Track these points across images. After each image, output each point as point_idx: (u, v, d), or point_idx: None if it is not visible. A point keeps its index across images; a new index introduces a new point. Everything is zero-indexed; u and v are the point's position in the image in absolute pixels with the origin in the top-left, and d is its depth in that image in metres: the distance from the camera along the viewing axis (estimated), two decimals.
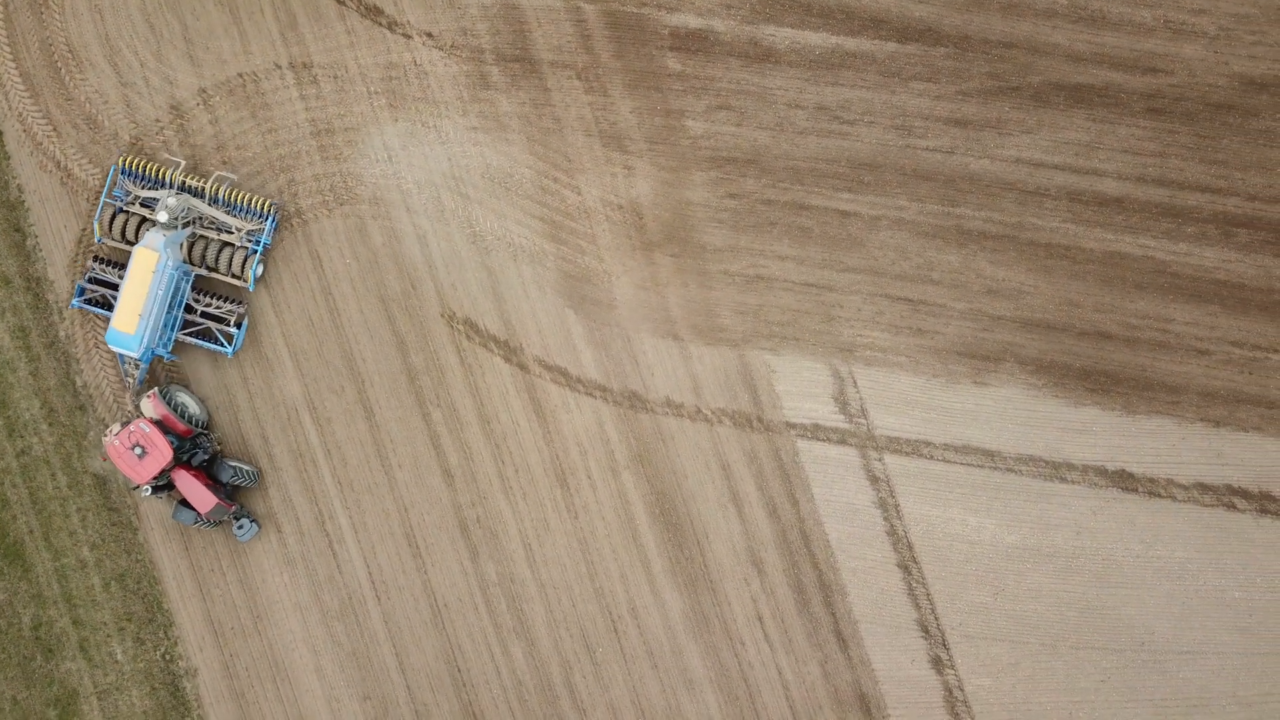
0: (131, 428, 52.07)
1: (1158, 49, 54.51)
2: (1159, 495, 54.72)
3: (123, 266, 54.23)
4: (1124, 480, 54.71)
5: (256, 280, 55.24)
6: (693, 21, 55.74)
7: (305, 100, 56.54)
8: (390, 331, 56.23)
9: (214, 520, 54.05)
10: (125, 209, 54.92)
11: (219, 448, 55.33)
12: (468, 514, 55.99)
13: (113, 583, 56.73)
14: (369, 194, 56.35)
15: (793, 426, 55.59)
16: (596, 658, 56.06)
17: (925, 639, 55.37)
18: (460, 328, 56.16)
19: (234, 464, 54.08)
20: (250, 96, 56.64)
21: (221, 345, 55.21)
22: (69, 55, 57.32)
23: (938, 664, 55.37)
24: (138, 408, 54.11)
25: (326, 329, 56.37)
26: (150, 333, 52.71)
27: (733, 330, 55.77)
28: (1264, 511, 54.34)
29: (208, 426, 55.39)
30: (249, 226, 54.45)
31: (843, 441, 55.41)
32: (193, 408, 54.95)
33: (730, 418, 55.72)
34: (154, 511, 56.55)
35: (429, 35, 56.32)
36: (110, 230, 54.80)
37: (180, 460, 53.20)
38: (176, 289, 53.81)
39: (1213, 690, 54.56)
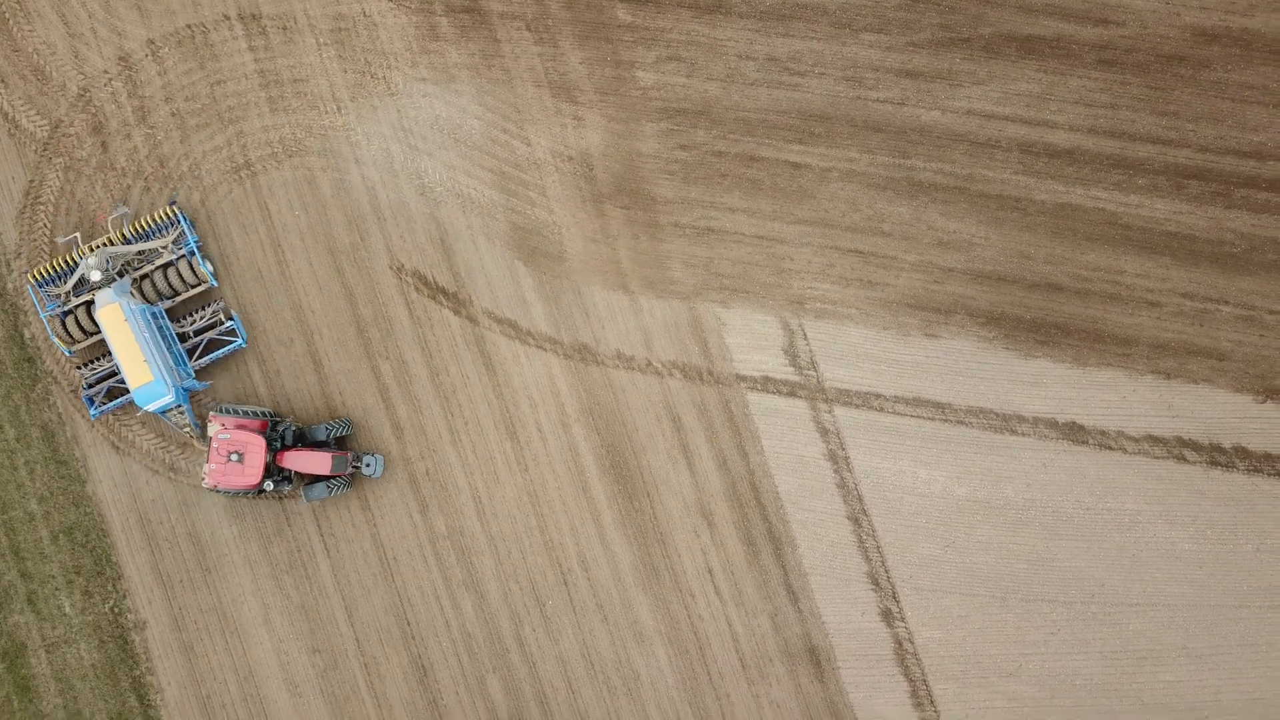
0: (215, 444, 52.23)
1: (1109, 0, 54.34)
2: (1109, 448, 54.61)
3: (106, 356, 54.59)
4: (1074, 432, 54.61)
5: (213, 274, 55.08)
6: None
7: (254, 52, 56.25)
8: (339, 284, 56.01)
9: (344, 476, 54.07)
10: (67, 311, 54.64)
11: (298, 424, 55.48)
12: (417, 467, 55.81)
13: (61, 536, 56.52)
14: (318, 146, 56.09)
15: (743, 379, 55.43)
16: (546, 610, 55.93)
17: (875, 591, 55.26)
18: (409, 280, 55.93)
19: (324, 424, 54.21)
20: (199, 48, 56.35)
21: (232, 342, 55.03)
22: (16, 6, 56.98)
23: (888, 616, 55.27)
24: (206, 438, 54.06)
25: (275, 281, 56.12)
26: (167, 372, 52.19)
27: (683, 283, 55.56)
28: (1214, 464, 54.26)
29: (275, 414, 55.52)
30: (169, 238, 54.24)
31: (793, 394, 55.25)
32: (250, 407, 55.31)
33: (681, 370, 55.55)
34: (103, 464, 56.35)
35: None
36: (72, 336, 54.61)
37: (275, 447, 53.38)
38: (160, 329, 53.61)
39: (1163, 642, 54.51)
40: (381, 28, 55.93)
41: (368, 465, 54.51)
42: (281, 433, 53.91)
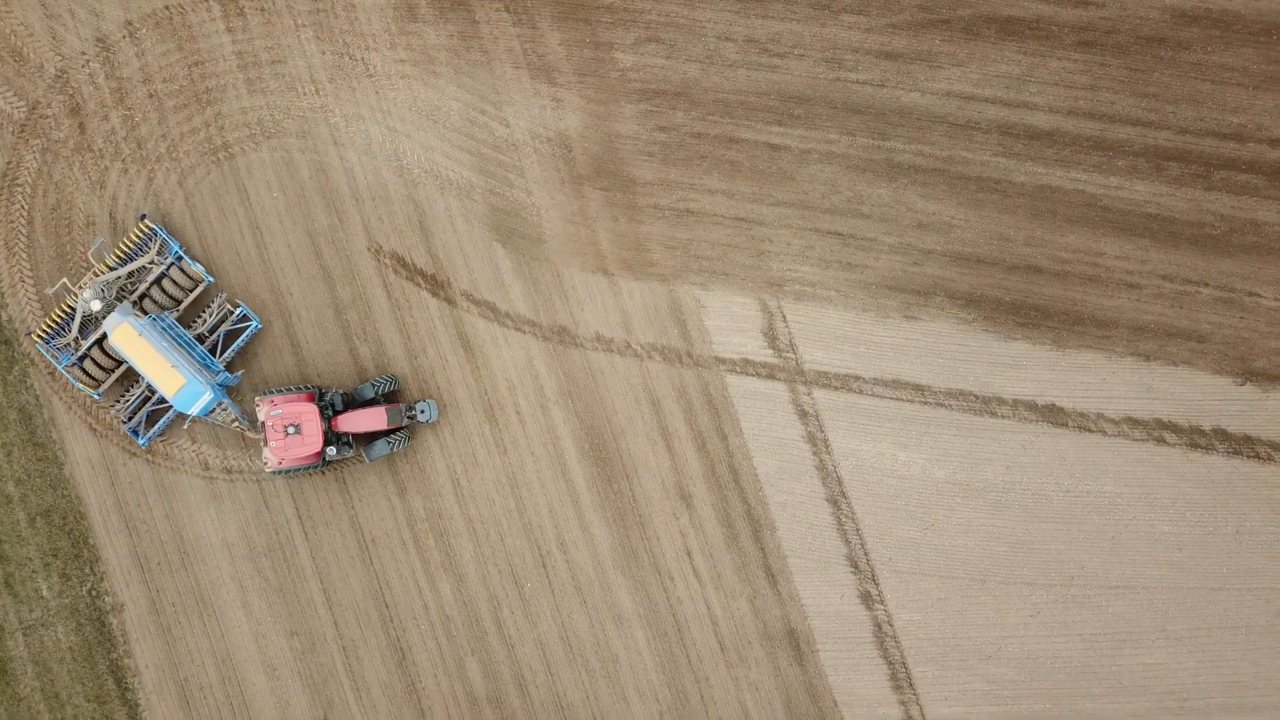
0: (270, 422, 52.21)
1: None
2: (1089, 430, 54.54)
3: (133, 385, 54.80)
4: (1054, 415, 54.52)
5: (206, 270, 54.94)
6: None
7: (232, 33, 56.02)
8: (317, 265, 55.86)
9: (401, 429, 54.05)
10: (82, 355, 54.38)
11: (343, 389, 55.28)
12: (395, 449, 55.65)
13: (38, 518, 56.36)
14: (296, 127, 55.91)
15: (722, 361, 55.32)
16: (525, 593, 55.83)
17: (855, 574, 55.17)
18: (387, 261, 55.79)
19: (369, 382, 54.00)
20: (177, 29, 56.12)
21: (247, 327, 54.74)
22: None
23: (867, 599, 55.19)
24: (260, 424, 53.70)
25: (253, 263, 55.96)
26: (198, 372, 52.12)
27: (662, 265, 55.44)
28: (1194, 446, 54.19)
29: (318, 386, 55.30)
30: (153, 252, 53.97)
31: (772, 376, 55.14)
32: (291, 385, 55.24)
33: (660, 353, 55.42)
34: (80, 446, 56.19)
35: None
36: (95, 378, 54.63)
37: (327, 415, 53.30)
38: (175, 337, 53.48)
39: (1142, 624, 54.46)
40: (359, 9, 55.75)
41: (422, 412, 54.33)
42: (330, 401, 53.77)
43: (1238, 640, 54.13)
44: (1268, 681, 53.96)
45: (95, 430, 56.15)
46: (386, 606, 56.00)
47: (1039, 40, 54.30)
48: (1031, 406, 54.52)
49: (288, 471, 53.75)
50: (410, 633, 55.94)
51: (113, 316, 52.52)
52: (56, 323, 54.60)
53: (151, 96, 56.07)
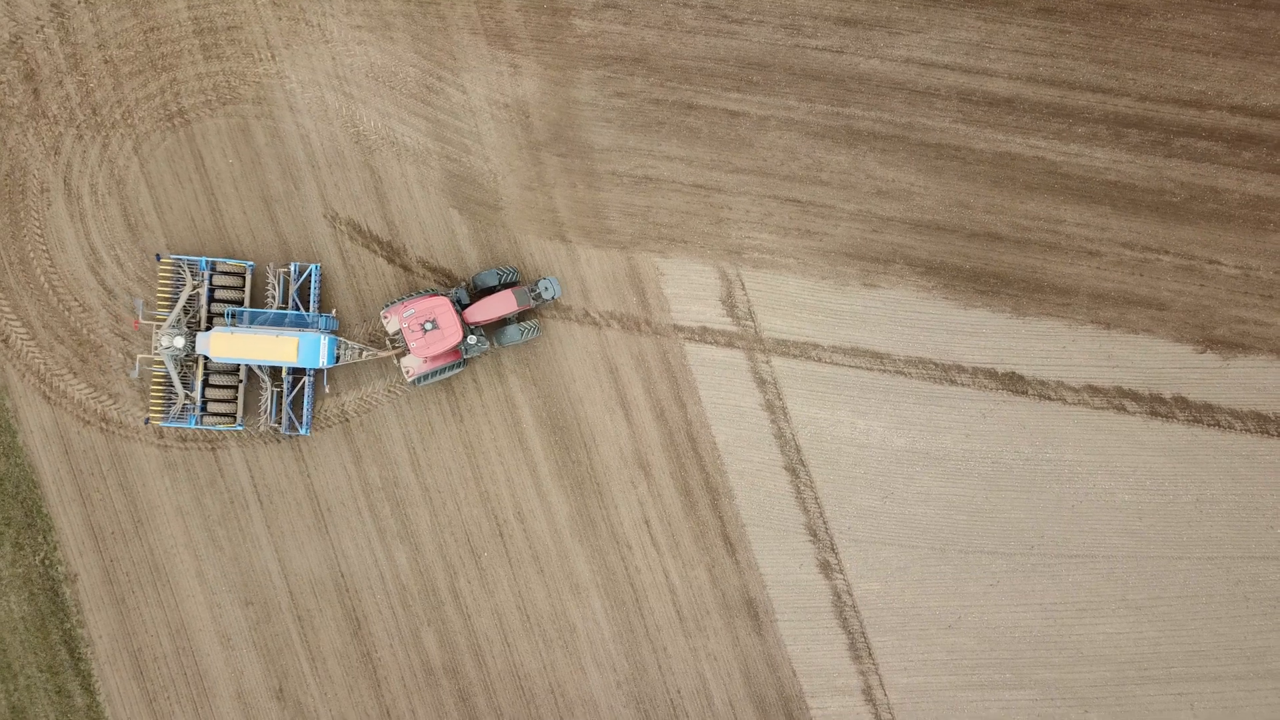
0: (406, 325, 52.03)
1: None
2: (1049, 398, 54.24)
3: (233, 379, 54.91)
4: (1014, 383, 54.22)
5: (240, 260, 54.86)
6: None
7: None
8: (273, 232, 55.42)
9: (531, 319, 54.00)
10: (203, 404, 54.30)
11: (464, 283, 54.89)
12: (351, 417, 55.25)
13: None
14: (252, 93, 55.52)
15: (680, 329, 54.96)
16: (482, 562, 55.39)
17: (814, 543, 54.81)
18: (343, 228, 55.38)
19: (492, 270, 53.50)
20: None
21: (309, 271, 54.30)
22: None
23: (826, 568, 54.82)
24: (394, 335, 53.62)
25: (209, 229, 55.53)
26: (304, 336, 52.01)
27: (621, 232, 55.08)
28: (1154, 414, 53.90)
29: (438, 287, 54.85)
30: (190, 281, 53.56)
31: (730, 344, 54.79)
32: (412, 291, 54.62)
33: (618, 320, 55.06)
34: (34, 415, 55.68)
35: None
36: (230, 414, 54.64)
37: (459, 306, 53.12)
38: (261, 320, 53.58)
39: (1102, 593, 54.13)
40: None
41: (545, 289, 54.02)
42: (456, 299, 53.41)
43: (1198, 609, 53.81)
44: (1228, 650, 53.64)
45: (49, 399, 55.68)
46: (342, 576, 55.55)
47: (998, 6, 54.06)
48: (991, 374, 54.22)
49: (429, 378, 53.44)
50: (366, 602, 55.48)
51: (199, 339, 52.76)
52: (161, 395, 54.33)
53: (107, 62, 55.67)
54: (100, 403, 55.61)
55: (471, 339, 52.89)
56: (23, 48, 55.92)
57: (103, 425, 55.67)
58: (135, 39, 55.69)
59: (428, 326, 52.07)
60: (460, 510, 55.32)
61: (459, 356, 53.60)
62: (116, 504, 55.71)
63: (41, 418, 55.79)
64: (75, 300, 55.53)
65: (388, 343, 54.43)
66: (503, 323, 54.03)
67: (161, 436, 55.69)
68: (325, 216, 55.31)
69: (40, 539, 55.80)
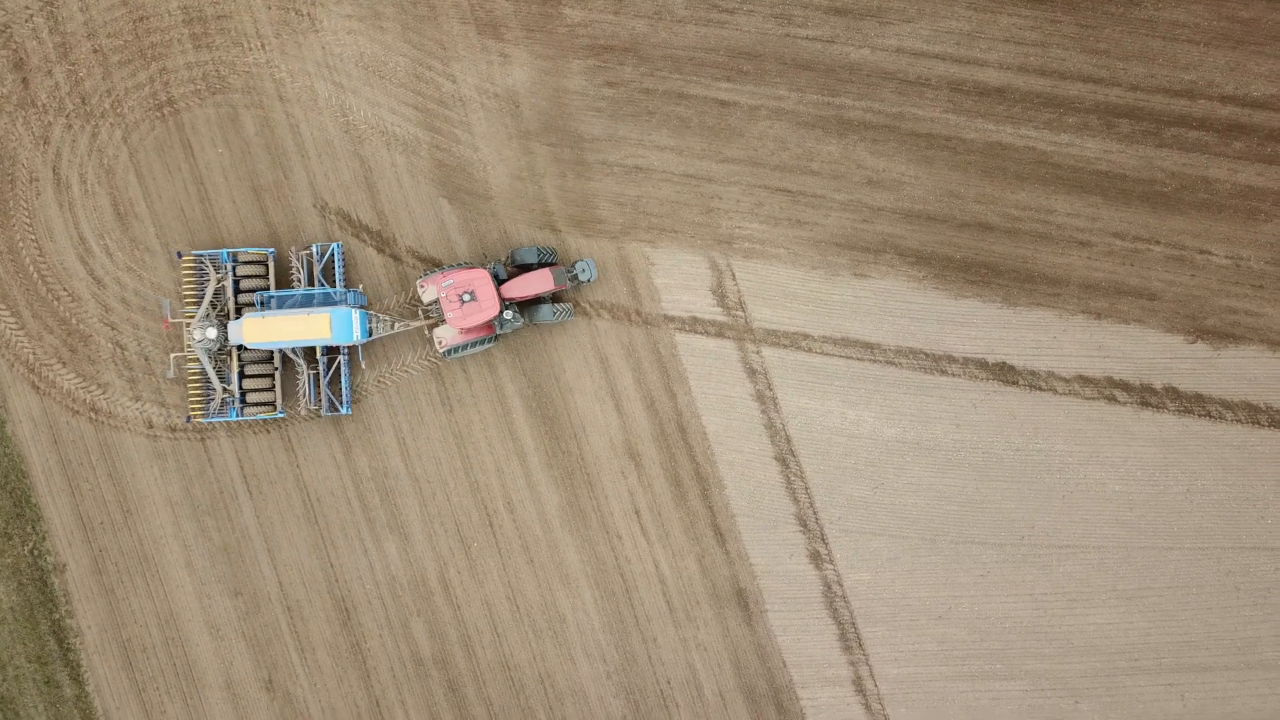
0: (444, 295, 51.97)
1: None
2: (1040, 388, 54.16)
3: (268, 363, 54.83)
4: (1005, 373, 54.14)
5: (259, 248, 54.81)
6: None
7: None
8: (263, 222, 55.32)
9: (566, 301, 54.12)
10: (241, 396, 54.19)
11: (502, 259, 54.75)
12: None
13: None
14: (241, 83, 55.41)
15: (671, 319, 54.87)
16: (471, 553, 55.30)
17: (804, 533, 54.72)
18: (333, 218, 55.26)
19: (531, 247, 53.38)
20: None
21: (330, 250, 54.15)
22: None
23: (816, 559, 54.72)
24: (429, 306, 53.74)
25: (198, 219, 55.42)
26: (335, 311, 51.92)
27: (611, 222, 54.98)
28: (1144, 404, 53.83)
29: (475, 261, 54.61)
30: (214, 275, 53.61)
31: (720, 334, 54.69)
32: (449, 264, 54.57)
33: (608, 310, 54.95)
34: (23, 404, 55.57)
35: None
36: (270, 402, 54.43)
37: (497, 280, 53.06)
38: (291, 301, 53.49)
39: (1092, 584, 54.05)
40: None
41: (582, 270, 53.99)
42: (494, 272, 53.33)
43: (1189, 599, 53.75)
44: (1218, 641, 53.57)
45: (38, 388, 55.56)
46: (331, 566, 55.44)
47: None
48: (982, 364, 54.14)
49: (460, 350, 53.32)
50: (355, 593, 55.38)
51: (231, 328, 52.65)
52: (199, 392, 54.30)
53: (96, 52, 55.55)
54: (89, 392, 55.50)
55: (508, 314, 52.86)
56: (11, 37, 55.79)
57: (92, 415, 55.56)
58: (124, 28, 55.56)
59: (466, 298, 52.02)
60: (450, 500, 55.22)
61: (491, 331, 53.40)
62: (105, 494, 55.59)
63: (30, 407, 55.67)
64: (64, 290, 55.45)
65: (420, 314, 54.20)
66: (536, 301, 53.78)
67: (150, 426, 55.58)
68: (315, 206, 55.19)
69: (29, 529, 55.68)
